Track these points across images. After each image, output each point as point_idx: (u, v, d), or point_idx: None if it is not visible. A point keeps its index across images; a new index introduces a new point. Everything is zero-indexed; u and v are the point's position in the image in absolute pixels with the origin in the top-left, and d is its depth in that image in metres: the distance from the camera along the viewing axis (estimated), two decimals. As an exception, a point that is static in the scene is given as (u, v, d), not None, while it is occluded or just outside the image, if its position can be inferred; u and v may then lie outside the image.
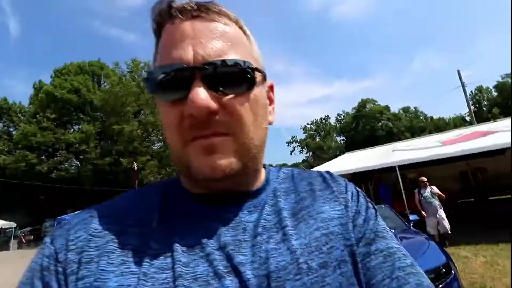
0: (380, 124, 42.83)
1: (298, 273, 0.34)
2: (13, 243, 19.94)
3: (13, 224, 19.77)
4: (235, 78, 0.37)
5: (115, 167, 25.70)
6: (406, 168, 7.55)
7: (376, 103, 44.77)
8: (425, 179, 5.67)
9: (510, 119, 9.80)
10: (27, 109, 29.16)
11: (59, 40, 64.18)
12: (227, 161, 0.36)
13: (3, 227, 19.50)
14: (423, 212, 5.50)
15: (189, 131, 0.36)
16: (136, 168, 18.28)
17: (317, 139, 50.80)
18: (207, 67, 0.35)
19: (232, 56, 0.37)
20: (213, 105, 0.35)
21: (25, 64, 63.83)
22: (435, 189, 5.63)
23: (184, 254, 0.35)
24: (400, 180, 7.22)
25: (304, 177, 0.48)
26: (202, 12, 0.38)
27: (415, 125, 42.86)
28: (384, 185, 7.77)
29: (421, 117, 45.77)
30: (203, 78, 0.35)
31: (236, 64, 0.36)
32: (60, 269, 0.33)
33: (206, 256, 0.35)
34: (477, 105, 37.43)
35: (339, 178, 0.48)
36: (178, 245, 0.35)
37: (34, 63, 62.50)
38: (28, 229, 22.75)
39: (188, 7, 0.38)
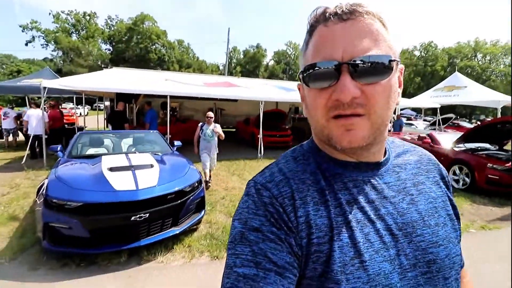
0: (154, 47, 41.73)
1: (424, 226, 0.52)
2: None
3: None
4: (375, 70, 0.45)
5: None
6: (172, 97, 8.28)
7: (156, 24, 42.48)
8: (211, 115, 5.18)
9: (248, 79, 13.72)
10: None
11: None
12: (361, 136, 0.47)
13: None
14: (195, 148, 5.29)
15: (333, 110, 0.47)
16: None
17: (74, 38, 39.98)
18: (353, 62, 0.44)
19: (374, 51, 0.45)
20: (356, 92, 0.45)
21: None
22: (218, 128, 5.19)
23: (346, 205, 0.50)
24: (168, 107, 7.90)
25: (413, 153, 0.64)
26: (351, 14, 0.46)
27: (185, 59, 46.53)
28: (152, 110, 8.06)
29: (190, 54, 50.25)
30: (349, 71, 0.45)
31: (376, 59, 0.45)
32: (279, 208, 0.49)
33: (360, 208, 0.50)
34: (229, 60, 47.19)
35: (436, 162, 0.65)
36: (341, 198, 0.51)
37: None
38: None
39: (339, 11, 0.47)
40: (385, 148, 0.59)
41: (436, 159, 0.67)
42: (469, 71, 35.94)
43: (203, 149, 5.18)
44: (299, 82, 0.57)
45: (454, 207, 0.61)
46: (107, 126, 7.64)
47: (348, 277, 0.45)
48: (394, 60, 0.47)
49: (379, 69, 0.45)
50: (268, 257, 0.45)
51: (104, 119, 11.60)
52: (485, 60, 38.19)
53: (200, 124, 5.24)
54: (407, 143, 0.68)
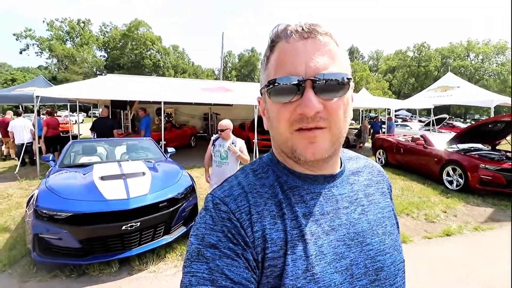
0: (149, 52, 41.78)
1: (373, 235, 0.55)
2: None
3: None
4: (335, 86, 0.48)
5: None
6: (167, 103, 8.30)
7: (150, 30, 42.58)
8: (224, 125, 3.24)
9: (243, 83, 13.78)
10: None
11: None
12: (324, 148, 0.49)
13: None
14: (207, 174, 3.52)
15: (297, 123, 0.48)
16: None
17: (69, 45, 39.92)
18: (316, 78, 0.46)
19: (333, 69, 0.48)
20: (319, 107, 0.47)
21: None
22: (239, 145, 3.23)
23: (302, 217, 0.51)
24: (162, 114, 7.89)
25: (366, 164, 0.67)
26: (311, 33, 0.48)
27: (180, 64, 46.58)
28: (147, 117, 8.02)
29: (185, 59, 50.32)
30: (313, 87, 0.47)
31: (335, 76, 0.47)
32: (237, 223, 0.49)
33: (315, 220, 0.52)
34: (224, 64, 47.29)
35: (384, 174, 0.69)
36: (297, 211, 0.52)
37: None
38: None
39: (300, 30, 0.49)
40: (341, 159, 0.62)
41: (383, 171, 0.70)
42: (463, 71, 36.36)
43: (213, 177, 3.30)
44: (260, 96, 0.58)
45: (395, 217, 0.65)
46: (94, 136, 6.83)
47: None
48: (350, 78, 0.50)
49: (338, 85, 0.48)
50: (224, 274, 0.45)
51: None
52: (477, 59, 38.67)
53: (212, 138, 3.39)
54: (360, 155, 0.71)
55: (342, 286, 0.49)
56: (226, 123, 3.31)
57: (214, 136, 3.43)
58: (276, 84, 0.48)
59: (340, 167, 0.60)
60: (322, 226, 0.51)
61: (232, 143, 3.25)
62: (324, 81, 0.46)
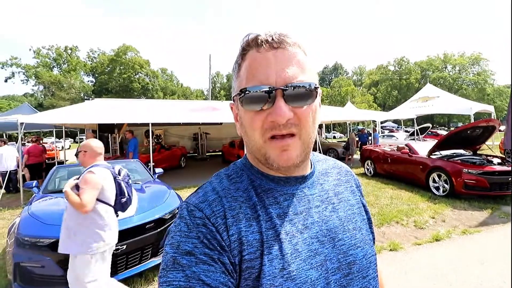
0: (137, 76, 42.12)
1: (344, 231, 0.58)
2: None
3: None
4: (303, 95, 0.51)
5: None
6: (155, 124, 8.30)
7: (138, 54, 43.20)
8: (83, 144, 2.27)
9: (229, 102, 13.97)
10: None
11: None
12: (296, 155, 0.52)
13: None
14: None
15: (269, 131, 0.51)
16: None
17: (56, 71, 39.89)
18: (286, 87, 0.49)
19: (301, 78, 0.51)
20: (290, 115, 0.50)
21: None
22: (87, 176, 2.04)
23: (276, 218, 0.53)
24: (150, 135, 7.87)
25: (334, 165, 0.71)
26: (281, 44, 0.51)
27: (169, 87, 46.99)
28: (134, 139, 7.97)
29: (174, 81, 50.88)
30: (283, 95, 0.49)
31: (304, 85, 0.51)
32: (212, 228, 0.49)
33: (289, 220, 0.54)
34: (213, 85, 48.05)
35: (353, 173, 0.74)
36: (272, 213, 0.53)
37: None
38: None
39: (270, 40, 0.51)
40: (311, 162, 0.65)
41: (351, 170, 0.74)
42: (442, 82, 38.06)
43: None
44: (232, 102, 0.61)
45: (367, 212, 0.68)
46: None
47: None
48: (317, 86, 0.53)
49: (306, 94, 0.51)
50: (201, 280, 0.45)
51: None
52: (455, 70, 40.68)
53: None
54: (328, 157, 0.75)
55: (318, 281, 0.50)
56: (85, 143, 2.25)
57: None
58: (247, 92, 0.50)
59: (311, 169, 0.63)
60: (296, 225, 0.53)
61: (78, 179, 2.12)
62: (293, 88, 0.49)
